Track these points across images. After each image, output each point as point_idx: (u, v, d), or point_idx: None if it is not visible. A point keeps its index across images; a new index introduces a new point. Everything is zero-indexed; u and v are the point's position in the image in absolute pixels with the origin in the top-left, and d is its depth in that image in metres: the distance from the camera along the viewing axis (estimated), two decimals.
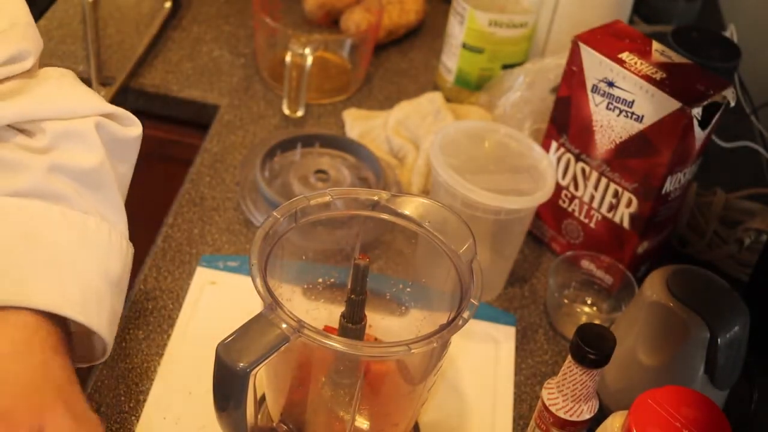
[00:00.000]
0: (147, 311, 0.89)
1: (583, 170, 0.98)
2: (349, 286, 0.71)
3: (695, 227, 1.07)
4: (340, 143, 1.09)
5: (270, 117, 1.17)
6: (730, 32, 1.35)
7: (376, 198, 0.74)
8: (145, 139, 0.76)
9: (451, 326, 0.65)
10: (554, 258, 1.02)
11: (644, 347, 0.82)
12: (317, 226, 0.74)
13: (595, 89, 0.94)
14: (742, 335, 0.81)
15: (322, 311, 0.79)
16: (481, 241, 0.74)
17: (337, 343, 0.62)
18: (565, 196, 1.01)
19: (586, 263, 0.99)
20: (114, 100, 1.14)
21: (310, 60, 1.11)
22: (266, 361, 0.62)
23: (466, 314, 0.66)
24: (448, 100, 1.19)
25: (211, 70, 1.23)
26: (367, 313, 0.73)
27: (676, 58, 0.93)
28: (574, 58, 0.95)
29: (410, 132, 1.12)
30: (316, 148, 1.08)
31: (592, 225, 1.00)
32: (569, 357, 0.71)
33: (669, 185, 0.93)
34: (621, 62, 0.91)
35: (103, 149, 0.71)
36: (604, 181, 0.96)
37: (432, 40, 1.36)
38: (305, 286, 0.79)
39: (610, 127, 0.94)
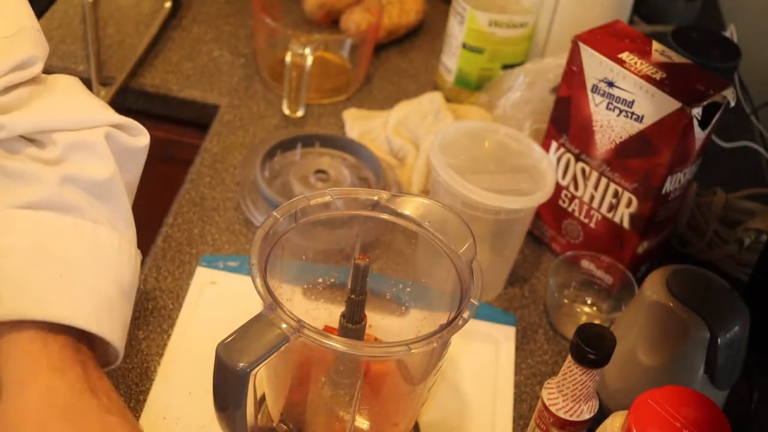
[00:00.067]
0: (147, 311, 0.89)
1: (583, 170, 0.98)
2: (349, 286, 0.71)
3: (695, 227, 1.07)
4: (340, 143, 1.09)
5: (270, 117, 1.17)
6: (730, 32, 1.35)
7: (376, 198, 0.74)
8: None
9: (451, 326, 0.65)
10: (554, 258, 1.02)
11: (644, 347, 0.82)
12: (317, 226, 0.74)
13: (595, 89, 0.94)
14: (742, 335, 0.81)
15: (322, 311, 0.79)
16: (481, 241, 0.74)
17: (337, 343, 0.62)
18: (565, 196, 1.01)
19: (586, 263, 0.99)
20: (114, 100, 1.14)
21: (310, 60, 1.11)
22: (266, 361, 0.62)
23: (466, 314, 0.66)
24: (448, 100, 1.19)
25: (211, 70, 1.23)
26: (367, 313, 0.73)
27: (676, 58, 0.93)
28: (574, 58, 0.95)
29: (410, 132, 1.12)
30: (316, 148, 1.08)
31: (592, 225, 1.00)
32: (569, 357, 0.71)
33: (669, 185, 0.93)
34: (621, 62, 0.91)
35: (114, 160, 0.72)
36: (604, 181, 0.96)
37: (432, 40, 1.36)
38: (305, 286, 0.79)
39: (610, 127, 0.94)
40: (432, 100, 1.15)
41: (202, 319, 0.89)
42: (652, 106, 0.89)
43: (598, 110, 0.94)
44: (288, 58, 1.11)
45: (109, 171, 0.71)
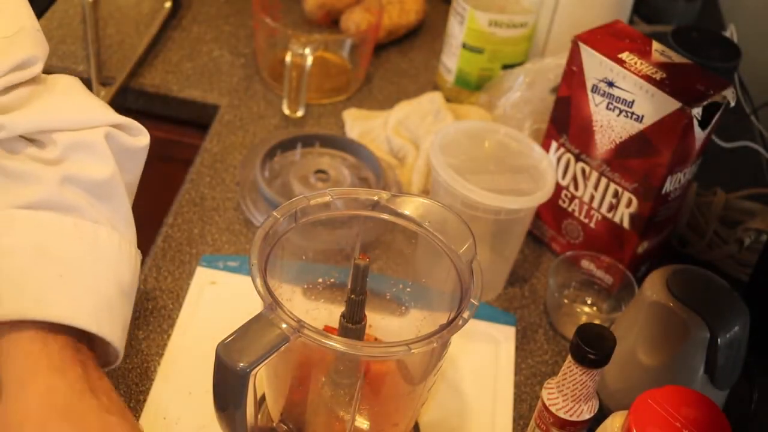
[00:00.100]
0: (147, 311, 0.89)
1: (583, 170, 0.98)
2: (349, 286, 0.71)
3: (695, 227, 1.07)
4: (340, 143, 1.09)
5: (270, 117, 1.17)
6: (730, 32, 1.35)
7: (376, 198, 0.74)
8: None
9: (451, 326, 0.65)
10: (554, 258, 1.02)
11: (644, 347, 0.82)
12: (317, 226, 0.74)
13: (595, 89, 0.94)
14: (742, 335, 0.81)
15: (322, 311, 0.79)
16: (481, 241, 0.74)
17: (337, 343, 0.62)
18: (565, 196, 1.01)
19: (586, 263, 0.99)
20: (114, 100, 1.14)
21: (310, 60, 1.11)
22: (266, 361, 0.62)
23: (466, 314, 0.66)
24: (448, 100, 1.19)
25: (211, 70, 1.23)
26: (367, 313, 0.73)
27: (676, 58, 0.93)
28: (574, 58, 0.95)
29: (410, 132, 1.12)
30: (316, 148, 1.08)
31: (592, 225, 1.00)
32: (569, 357, 0.71)
33: (669, 185, 0.93)
34: (621, 62, 0.91)
35: (114, 160, 0.72)
36: (604, 181, 0.96)
37: (432, 40, 1.36)
38: (305, 286, 0.79)
39: (610, 127, 0.94)
40: (432, 100, 1.15)
41: (202, 319, 0.89)
42: (652, 106, 0.89)
43: (598, 110, 0.94)
44: (288, 58, 1.11)
45: (109, 171, 0.71)
